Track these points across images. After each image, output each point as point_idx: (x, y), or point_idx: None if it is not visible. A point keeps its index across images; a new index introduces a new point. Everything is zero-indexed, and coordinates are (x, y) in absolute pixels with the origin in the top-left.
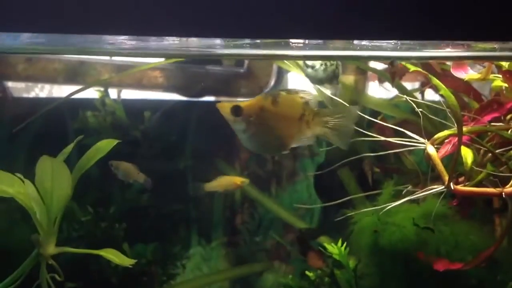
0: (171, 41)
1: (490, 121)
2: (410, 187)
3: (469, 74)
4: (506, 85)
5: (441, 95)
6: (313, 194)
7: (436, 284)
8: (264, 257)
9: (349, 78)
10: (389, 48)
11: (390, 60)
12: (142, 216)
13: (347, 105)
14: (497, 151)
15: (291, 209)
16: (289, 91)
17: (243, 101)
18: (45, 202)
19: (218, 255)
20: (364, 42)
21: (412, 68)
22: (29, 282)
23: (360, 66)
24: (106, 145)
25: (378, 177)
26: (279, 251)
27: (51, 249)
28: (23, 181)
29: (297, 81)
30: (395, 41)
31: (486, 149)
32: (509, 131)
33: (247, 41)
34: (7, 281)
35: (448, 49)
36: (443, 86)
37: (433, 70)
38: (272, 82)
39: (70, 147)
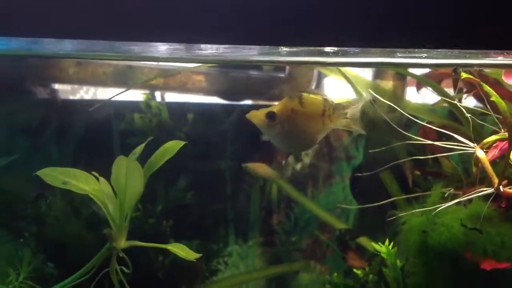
0: (210, 50)
1: None
2: (452, 190)
3: None
4: None
5: (490, 102)
6: (349, 196)
7: (482, 283)
8: (300, 256)
9: (387, 83)
10: (430, 56)
11: (454, 68)
12: (186, 214)
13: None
14: None
15: (328, 210)
16: (308, 92)
17: (269, 107)
18: (118, 199)
19: (255, 254)
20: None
21: (464, 75)
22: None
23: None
24: (174, 145)
25: (418, 180)
26: (314, 251)
27: (122, 242)
28: (97, 179)
29: (333, 85)
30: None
31: None
32: None
33: (285, 48)
34: (80, 272)
35: (500, 57)
36: (494, 93)
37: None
38: (313, 87)
39: (141, 147)
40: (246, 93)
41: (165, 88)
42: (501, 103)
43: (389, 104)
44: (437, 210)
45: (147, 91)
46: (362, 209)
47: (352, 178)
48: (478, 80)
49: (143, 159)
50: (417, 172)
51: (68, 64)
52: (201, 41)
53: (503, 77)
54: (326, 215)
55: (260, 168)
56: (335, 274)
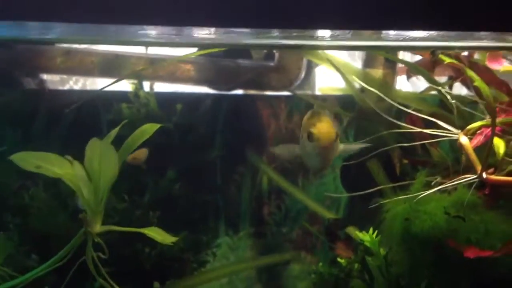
0: (201, 32)
1: None
2: (439, 178)
3: (504, 66)
4: None
5: (475, 87)
6: (340, 187)
7: (465, 271)
8: (290, 247)
9: (377, 72)
10: (419, 38)
11: (432, 50)
12: (174, 205)
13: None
14: None
15: (318, 200)
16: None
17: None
18: (92, 182)
19: (245, 245)
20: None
21: (447, 60)
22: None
23: (389, 59)
24: (149, 128)
25: (406, 169)
26: (304, 242)
27: (98, 227)
28: (71, 163)
29: (325, 74)
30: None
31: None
32: None
33: (276, 32)
34: (55, 259)
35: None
36: (478, 78)
37: (462, 63)
38: (302, 76)
39: (115, 131)
40: (235, 82)
41: (153, 77)
42: (484, 88)
43: (379, 93)
44: (417, 197)
45: (135, 81)
46: (352, 199)
47: (342, 168)
48: (461, 64)
49: None
50: (405, 161)
51: (56, 53)
52: (192, 23)
53: (487, 62)
54: (315, 206)
55: (287, 149)
56: (320, 263)
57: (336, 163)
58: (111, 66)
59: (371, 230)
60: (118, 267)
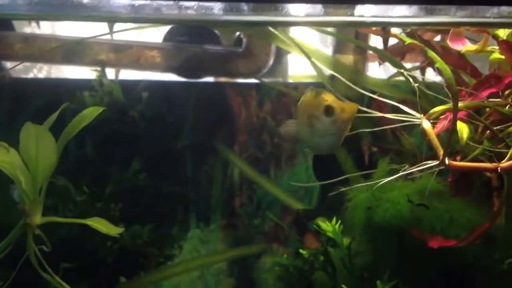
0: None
1: (488, 97)
2: (407, 166)
3: (467, 46)
4: (504, 57)
5: (439, 69)
6: (313, 176)
7: (430, 261)
8: (262, 239)
9: (348, 58)
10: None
11: (383, 27)
12: (139, 197)
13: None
14: (495, 127)
15: (290, 191)
16: None
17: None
18: (30, 171)
19: (217, 238)
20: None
21: (408, 40)
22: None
23: (359, 45)
24: (91, 112)
25: (377, 157)
26: (277, 234)
27: (38, 218)
28: (7, 150)
29: (300, 61)
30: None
31: (484, 126)
32: (507, 107)
33: (245, 7)
34: None
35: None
36: (439, 59)
37: (431, 47)
38: (271, 62)
39: (55, 115)
40: (203, 69)
41: (116, 64)
42: (446, 70)
43: (350, 80)
44: (378, 184)
45: (97, 68)
46: (323, 189)
47: (314, 157)
48: (421, 45)
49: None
50: (374, 149)
51: (14, 39)
52: None
53: (448, 42)
54: (285, 196)
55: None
56: (285, 255)
57: (308, 152)
58: (73, 53)
59: (334, 220)
60: (79, 262)
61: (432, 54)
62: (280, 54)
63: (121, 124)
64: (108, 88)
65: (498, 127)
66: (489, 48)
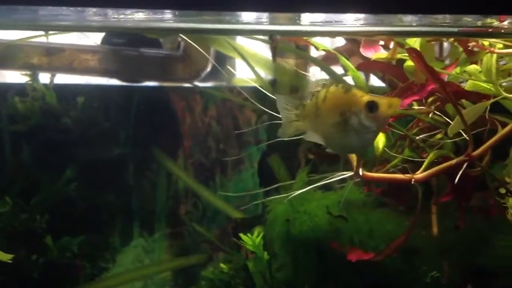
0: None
1: (410, 104)
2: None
3: (377, 53)
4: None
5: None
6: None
7: (351, 275)
8: (208, 248)
9: (288, 62)
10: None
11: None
12: (72, 207)
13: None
14: (420, 136)
15: (236, 198)
16: None
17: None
18: None
19: (161, 247)
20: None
21: (321, 47)
22: None
23: (301, 48)
24: None
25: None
26: (223, 242)
27: None
28: None
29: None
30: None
31: (403, 135)
32: (430, 115)
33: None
34: None
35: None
36: (352, 67)
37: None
38: (209, 66)
39: None
40: (139, 73)
41: (48, 68)
42: (358, 78)
43: (291, 84)
44: (291, 196)
45: (29, 72)
46: (266, 197)
47: (259, 163)
48: (335, 52)
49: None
50: (311, 156)
51: None
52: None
53: (361, 49)
54: (223, 205)
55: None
56: (211, 269)
57: (254, 157)
58: (2, 56)
59: (256, 233)
60: (4, 277)
61: (344, 62)
62: (225, 59)
63: (54, 130)
64: (41, 92)
65: (423, 135)
66: (399, 56)
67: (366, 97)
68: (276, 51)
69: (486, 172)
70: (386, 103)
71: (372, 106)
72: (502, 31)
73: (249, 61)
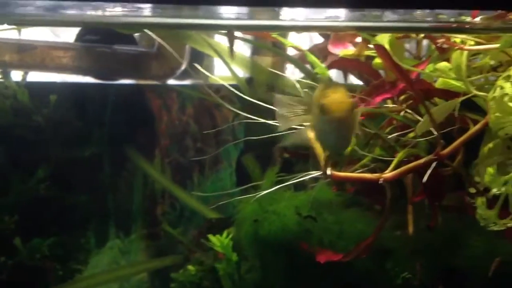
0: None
1: (381, 103)
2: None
3: (345, 50)
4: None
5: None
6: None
7: (321, 276)
8: (185, 249)
9: (265, 60)
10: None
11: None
12: (43, 208)
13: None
14: (393, 134)
15: (214, 198)
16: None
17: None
18: None
19: (138, 248)
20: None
21: (289, 44)
22: None
23: (278, 45)
24: None
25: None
26: (200, 243)
27: None
28: None
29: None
30: None
31: (374, 133)
32: (401, 113)
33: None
34: None
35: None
36: (320, 64)
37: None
38: (185, 64)
39: None
40: (112, 70)
41: (19, 65)
42: (325, 74)
43: (268, 82)
44: (258, 196)
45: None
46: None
47: (237, 162)
48: (303, 49)
49: None
50: (286, 155)
51: None
52: None
53: (329, 45)
54: (197, 205)
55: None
56: (181, 270)
57: (232, 156)
58: None
59: (225, 234)
60: None
61: (312, 58)
62: (198, 56)
63: (25, 129)
64: (12, 90)
65: (395, 134)
66: (367, 53)
67: (327, 99)
68: (233, 45)
69: (457, 171)
70: (331, 103)
71: (321, 108)
72: (467, 26)
73: (225, 58)
